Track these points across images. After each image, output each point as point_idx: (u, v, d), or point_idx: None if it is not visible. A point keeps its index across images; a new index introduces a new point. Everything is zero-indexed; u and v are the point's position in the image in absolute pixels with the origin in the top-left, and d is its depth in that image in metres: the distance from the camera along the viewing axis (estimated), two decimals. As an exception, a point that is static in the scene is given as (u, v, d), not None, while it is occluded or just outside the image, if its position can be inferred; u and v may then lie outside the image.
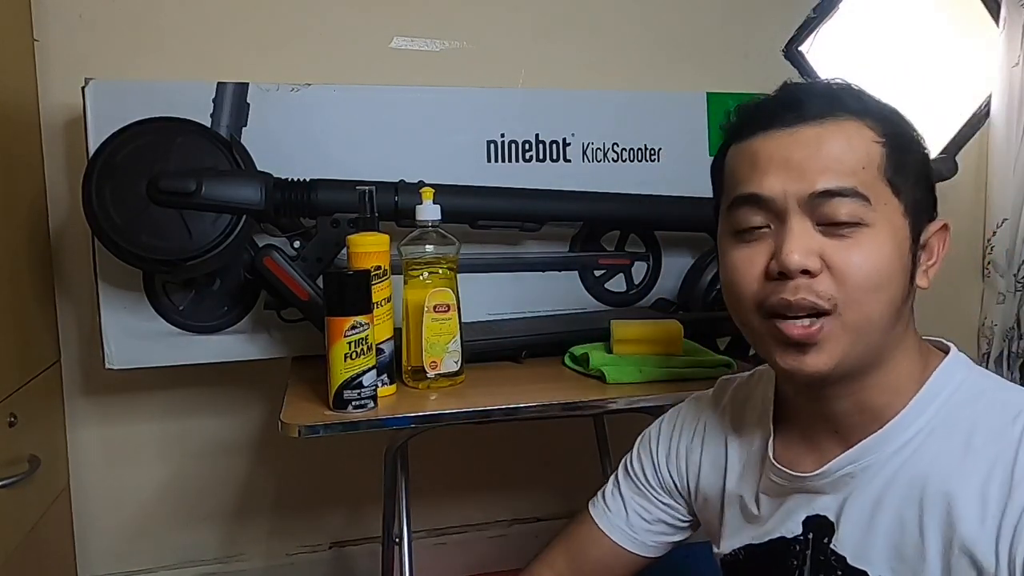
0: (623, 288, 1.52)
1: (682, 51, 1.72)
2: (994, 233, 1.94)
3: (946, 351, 0.67)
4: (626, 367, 1.16)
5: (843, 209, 0.59)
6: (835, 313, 0.60)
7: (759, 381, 0.79)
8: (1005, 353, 1.96)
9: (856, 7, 1.81)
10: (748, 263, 0.63)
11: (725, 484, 0.76)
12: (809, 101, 0.63)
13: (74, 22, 1.41)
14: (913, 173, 0.63)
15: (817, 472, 0.65)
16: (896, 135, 0.63)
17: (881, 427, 0.63)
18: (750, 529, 0.73)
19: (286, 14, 1.50)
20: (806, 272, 0.59)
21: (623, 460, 0.88)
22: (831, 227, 0.60)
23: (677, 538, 0.85)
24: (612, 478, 0.88)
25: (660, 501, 0.84)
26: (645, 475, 0.85)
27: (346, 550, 1.68)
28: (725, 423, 0.80)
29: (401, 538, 1.14)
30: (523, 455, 1.72)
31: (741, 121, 0.67)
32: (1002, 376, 2.11)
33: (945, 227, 0.66)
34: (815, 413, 0.67)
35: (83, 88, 1.22)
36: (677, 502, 0.83)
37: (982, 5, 1.91)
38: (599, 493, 0.88)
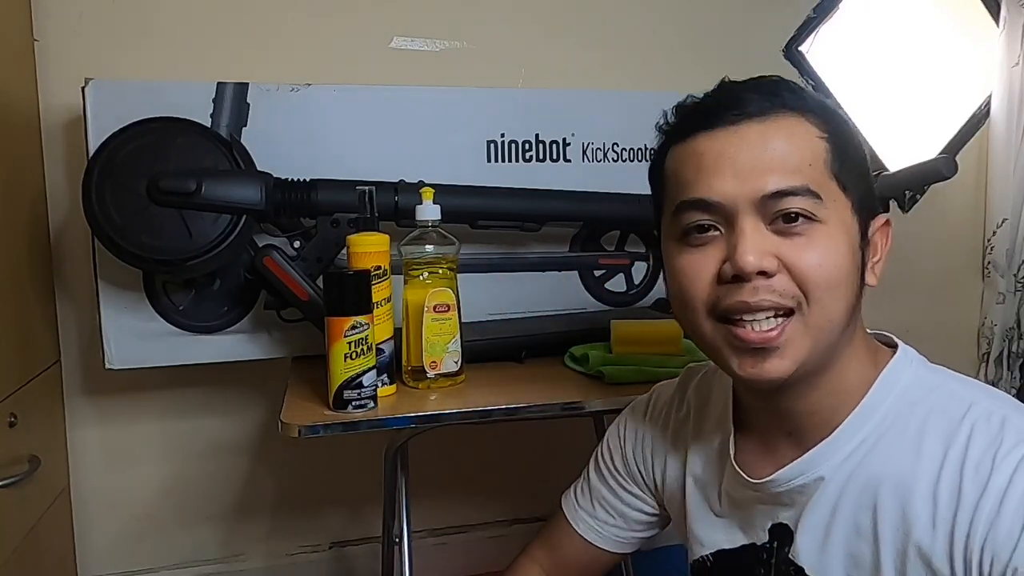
0: (623, 288, 1.52)
1: (682, 51, 1.72)
2: (994, 233, 1.94)
3: (893, 346, 0.66)
4: (626, 367, 1.16)
5: (795, 207, 0.58)
6: (798, 312, 0.58)
7: (721, 376, 0.77)
8: (1005, 353, 1.96)
9: (856, 7, 1.81)
10: (698, 268, 0.61)
11: (686, 474, 0.76)
12: (750, 98, 0.61)
13: (74, 22, 1.41)
14: (856, 168, 0.62)
15: (771, 478, 0.64)
16: (837, 131, 0.62)
17: (830, 433, 0.62)
18: (717, 524, 0.72)
19: (286, 14, 1.50)
20: (763, 273, 0.58)
21: (594, 452, 0.88)
22: (784, 226, 0.58)
23: (646, 534, 0.85)
24: (584, 472, 0.88)
25: (629, 492, 0.83)
26: (614, 465, 0.84)
27: (346, 550, 1.68)
28: (688, 416, 0.79)
29: (401, 538, 1.14)
30: (523, 455, 1.72)
31: (680, 121, 0.66)
32: (1003, 376, 2.11)
33: (887, 223, 0.65)
34: (770, 415, 0.67)
35: (83, 88, 1.22)
36: (645, 493, 0.82)
37: (982, 5, 1.91)
38: (572, 487, 0.88)
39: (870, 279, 0.63)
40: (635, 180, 1.47)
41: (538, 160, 1.43)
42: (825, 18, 1.79)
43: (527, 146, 1.43)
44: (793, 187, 0.58)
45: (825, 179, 0.59)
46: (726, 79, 0.68)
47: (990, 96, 1.92)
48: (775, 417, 0.66)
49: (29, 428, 1.26)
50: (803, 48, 1.79)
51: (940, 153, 1.94)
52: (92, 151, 1.17)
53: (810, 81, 1.80)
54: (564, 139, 1.44)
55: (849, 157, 0.61)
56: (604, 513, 0.83)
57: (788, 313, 0.58)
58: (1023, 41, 1.84)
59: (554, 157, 1.44)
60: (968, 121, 1.96)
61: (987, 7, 1.91)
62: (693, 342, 0.66)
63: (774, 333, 0.58)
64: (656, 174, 0.68)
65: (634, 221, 1.48)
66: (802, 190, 0.58)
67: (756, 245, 0.58)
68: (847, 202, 0.60)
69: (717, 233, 0.60)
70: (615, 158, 1.47)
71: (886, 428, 0.61)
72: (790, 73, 1.77)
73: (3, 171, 1.23)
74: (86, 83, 1.22)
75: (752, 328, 0.58)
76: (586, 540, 0.83)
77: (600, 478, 0.85)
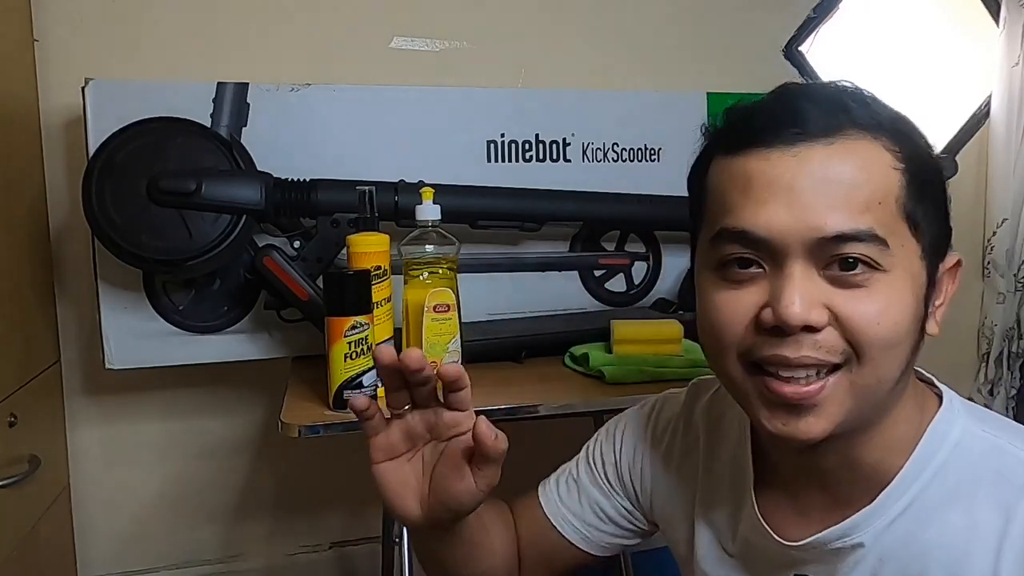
0: (623, 288, 1.52)
1: (682, 51, 1.72)
2: (994, 233, 1.94)
3: (939, 394, 0.59)
4: (626, 367, 1.16)
5: (856, 253, 0.49)
6: (845, 368, 0.51)
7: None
8: (1005, 353, 1.96)
9: (856, 7, 1.81)
10: (733, 309, 0.53)
11: (695, 509, 0.68)
12: (813, 112, 0.52)
13: (74, 22, 1.41)
14: (933, 204, 0.53)
15: (804, 543, 0.57)
16: (914, 157, 0.53)
17: (874, 496, 0.55)
18: (727, 563, 0.65)
19: (286, 14, 1.50)
20: (809, 327, 0.50)
21: (585, 448, 0.80)
22: (840, 273, 0.50)
23: (630, 542, 0.77)
24: (569, 466, 0.79)
25: (620, 504, 0.75)
26: (606, 476, 0.76)
27: (346, 550, 1.68)
28: (697, 445, 0.70)
29: (401, 538, 1.14)
30: (523, 455, 1.71)
31: (732, 130, 0.56)
32: (1002, 376, 2.10)
33: (958, 263, 0.57)
34: (798, 467, 0.59)
35: (83, 88, 1.22)
36: (635, 509, 0.75)
37: (982, 5, 1.91)
38: (552, 478, 0.80)
39: (931, 328, 0.55)
40: (635, 180, 1.47)
41: (538, 160, 1.43)
42: (825, 18, 1.79)
43: (527, 146, 1.43)
44: (857, 231, 0.49)
45: (895, 220, 0.51)
46: (788, 84, 0.56)
47: (990, 96, 1.92)
48: (806, 469, 0.58)
49: (29, 428, 1.26)
50: (803, 48, 1.79)
51: (940, 153, 1.93)
52: (92, 151, 1.17)
53: (810, 81, 1.79)
54: (564, 139, 1.44)
55: (927, 191, 0.53)
56: (595, 518, 0.75)
57: (833, 368, 0.51)
58: (1023, 41, 1.84)
59: (554, 157, 1.44)
60: (968, 121, 1.96)
61: (987, 7, 1.91)
62: (719, 380, 0.59)
63: (813, 389, 0.51)
64: (696, 184, 0.59)
65: (634, 221, 1.48)
66: (867, 235, 0.49)
67: (805, 294, 0.50)
68: (917, 247, 0.52)
69: (760, 271, 0.52)
70: (615, 158, 1.47)
71: (935, 491, 0.54)
72: (790, 73, 1.77)
73: (3, 171, 1.23)
74: (86, 83, 1.22)
75: (789, 383, 0.51)
76: (570, 542, 0.75)
77: (593, 481, 0.76)
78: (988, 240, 1.96)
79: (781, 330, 0.50)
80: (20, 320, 1.27)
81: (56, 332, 1.46)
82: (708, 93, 1.52)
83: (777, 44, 1.78)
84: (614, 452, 0.76)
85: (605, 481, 0.76)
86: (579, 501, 0.76)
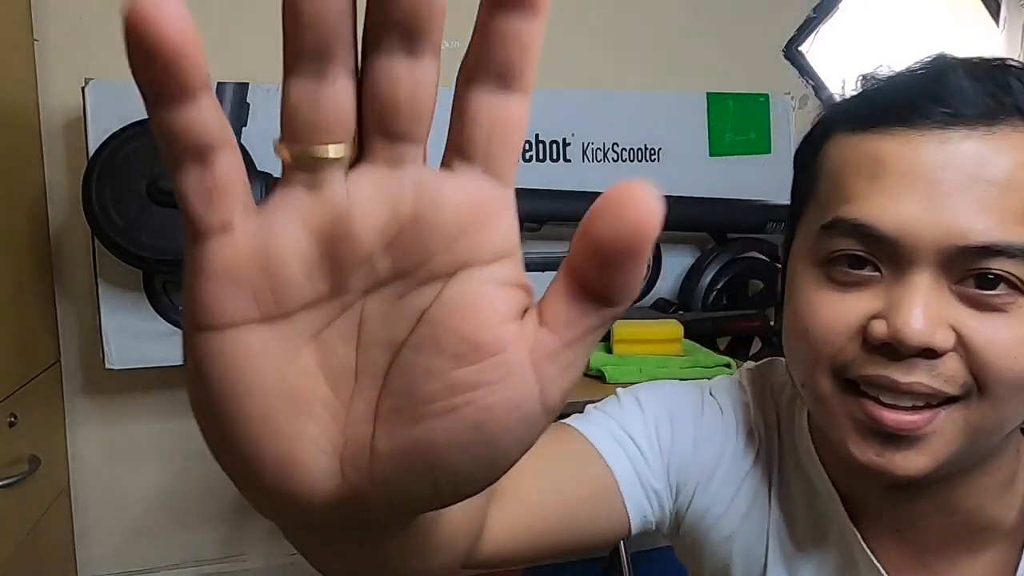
0: (623, 288, 1.52)
1: (682, 51, 1.72)
2: (994, 233, 1.94)
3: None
4: (626, 367, 1.16)
5: (1002, 271, 0.40)
6: (963, 402, 0.42)
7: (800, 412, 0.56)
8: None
9: (856, 7, 1.81)
10: (837, 315, 0.43)
11: (767, 548, 0.54)
12: (973, 93, 0.41)
13: (74, 22, 1.41)
14: None
15: None
16: None
17: (988, 544, 0.48)
18: None
19: (286, 14, 1.50)
20: (928, 350, 0.41)
21: (635, 401, 0.58)
22: (976, 292, 0.41)
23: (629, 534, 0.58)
24: (613, 413, 0.57)
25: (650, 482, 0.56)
26: (640, 448, 0.56)
27: (346, 550, 1.68)
28: (768, 457, 0.56)
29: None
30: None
31: (865, 102, 0.46)
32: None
33: None
34: (876, 508, 0.50)
35: (83, 88, 1.22)
36: (663, 502, 0.57)
37: (982, 5, 1.91)
38: (594, 419, 0.57)
39: None
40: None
41: (538, 160, 1.43)
42: (825, 18, 1.80)
43: (527, 146, 1.43)
44: (1009, 245, 0.40)
45: None
46: (944, 55, 0.45)
47: (990, 96, 1.92)
48: (891, 510, 0.50)
49: (29, 428, 1.26)
50: (803, 48, 1.79)
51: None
52: (92, 151, 1.17)
53: (810, 81, 1.80)
54: (564, 139, 1.44)
55: None
56: (634, 448, 0.56)
57: (947, 400, 0.42)
58: (1023, 41, 1.84)
59: (554, 157, 1.44)
60: (968, 121, 1.96)
61: (987, 7, 1.91)
62: (802, 395, 0.49)
63: (920, 420, 0.41)
64: (807, 159, 0.48)
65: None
66: (1019, 251, 0.40)
67: (931, 310, 0.40)
68: None
69: (875, 275, 0.43)
70: (615, 158, 1.47)
71: None
72: (790, 73, 1.78)
73: (3, 171, 1.23)
74: (86, 83, 1.22)
75: (891, 410, 0.42)
76: (624, 506, 0.54)
77: (650, 447, 0.56)
78: (988, 240, 1.96)
79: (893, 349, 0.41)
80: (20, 320, 1.27)
81: (56, 332, 1.46)
82: (708, 93, 1.52)
83: (777, 44, 1.78)
84: (656, 434, 0.57)
85: (638, 451, 0.56)
86: (635, 445, 0.56)
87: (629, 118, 1.48)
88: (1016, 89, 0.42)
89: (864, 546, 0.49)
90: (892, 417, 0.41)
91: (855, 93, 0.47)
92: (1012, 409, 0.42)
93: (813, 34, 1.79)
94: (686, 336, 1.23)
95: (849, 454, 0.44)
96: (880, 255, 0.42)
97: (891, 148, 0.42)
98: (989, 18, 1.91)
